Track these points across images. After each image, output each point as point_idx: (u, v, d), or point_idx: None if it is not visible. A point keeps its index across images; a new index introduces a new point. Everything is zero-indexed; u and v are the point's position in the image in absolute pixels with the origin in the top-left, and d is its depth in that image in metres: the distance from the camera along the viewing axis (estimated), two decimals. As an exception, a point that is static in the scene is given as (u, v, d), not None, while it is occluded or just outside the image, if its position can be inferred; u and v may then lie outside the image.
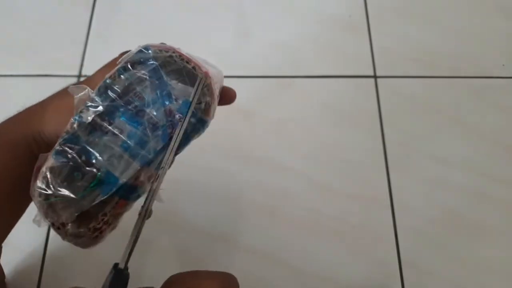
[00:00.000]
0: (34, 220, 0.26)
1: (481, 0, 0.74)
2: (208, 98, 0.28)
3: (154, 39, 0.75)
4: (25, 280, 0.54)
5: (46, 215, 0.25)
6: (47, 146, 0.29)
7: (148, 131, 0.26)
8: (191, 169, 0.58)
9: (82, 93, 0.27)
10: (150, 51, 0.28)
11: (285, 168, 0.61)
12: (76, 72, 0.69)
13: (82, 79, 0.68)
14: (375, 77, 0.68)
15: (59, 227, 0.26)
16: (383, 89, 0.66)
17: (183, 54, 0.28)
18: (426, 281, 0.55)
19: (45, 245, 0.56)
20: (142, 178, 0.27)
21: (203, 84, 0.28)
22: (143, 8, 0.74)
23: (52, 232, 0.57)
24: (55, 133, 0.29)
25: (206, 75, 0.28)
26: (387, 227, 0.57)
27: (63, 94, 0.32)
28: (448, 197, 0.59)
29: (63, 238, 0.26)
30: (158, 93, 0.27)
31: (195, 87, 0.27)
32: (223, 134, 0.63)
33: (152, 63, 0.28)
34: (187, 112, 0.27)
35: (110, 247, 0.56)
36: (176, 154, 0.27)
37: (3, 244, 0.39)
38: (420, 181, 0.60)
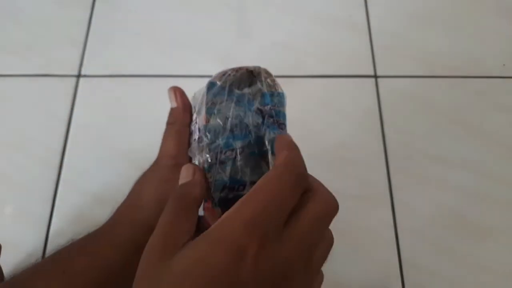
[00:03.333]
0: None
1: (481, 0, 0.74)
2: (271, 77, 0.34)
3: (154, 39, 0.75)
4: (25, 280, 0.54)
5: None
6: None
7: (258, 134, 0.31)
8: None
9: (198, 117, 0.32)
10: (217, 83, 0.33)
11: (285, 168, 0.61)
12: (75, 72, 0.69)
13: (81, 79, 0.68)
14: (375, 76, 0.68)
15: None
16: (383, 89, 0.66)
17: (233, 68, 0.34)
18: (426, 281, 0.55)
19: (44, 245, 0.56)
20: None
21: (262, 72, 0.34)
22: (142, 7, 0.74)
23: (52, 231, 0.57)
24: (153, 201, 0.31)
25: (257, 68, 0.34)
26: (387, 227, 0.57)
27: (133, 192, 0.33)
28: (448, 197, 0.59)
29: None
30: (245, 104, 0.32)
31: (260, 79, 0.34)
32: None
33: (224, 90, 0.32)
34: (271, 100, 0.33)
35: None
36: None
37: (2, 244, 0.39)
38: (420, 181, 0.60)
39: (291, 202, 0.23)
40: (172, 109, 0.34)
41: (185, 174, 0.28)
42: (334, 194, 0.25)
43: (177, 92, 0.34)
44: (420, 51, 0.70)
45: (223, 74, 0.33)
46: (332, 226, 0.26)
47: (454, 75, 0.68)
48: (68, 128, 0.64)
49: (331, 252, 0.25)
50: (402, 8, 0.74)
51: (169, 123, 0.34)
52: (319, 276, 0.24)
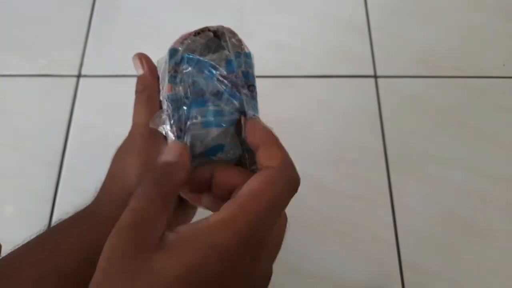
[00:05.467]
0: None
1: (481, 0, 0.74)
2: (236, 36, 0.32)
3: (154, 39, 0.75)
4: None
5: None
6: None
7: (220, 102, 0.30)
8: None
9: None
10: (179, 48, 0.31)
11: (285, 168, 0.61)
12: (75, 72, 0.69)
13: (81, 79, 0.68)
14: (375, 77, 0.68)
15: None
16: (383, 89, 0.66)
17: (196, 30, 0.32)
18: (426, 281, 0.55)
19: (44, 245, 0.56)
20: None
21: (225, 32, 0.32)
22: (142, 7, 0.74)
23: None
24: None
25: (220, 27, 0.32)
26: (387, 227, 0.57)
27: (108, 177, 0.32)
28: (448, 197, 0.59)
29: None
30: (208, 72, 0.30)
31: (224, 39, 0.31)
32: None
33: (186, 57, 0.31)
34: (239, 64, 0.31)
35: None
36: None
37: (2, 244, 0.39)
38: (420, 181, 0.60)
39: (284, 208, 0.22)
40: (139, 77, 0.33)
41: (169, 152, 0.24)
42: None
43: (143, 58, 0.32)
44: (420, 51, 0.70)
45: (185, 38, 0.31)
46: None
47: (454, 75, 0.68)
48: (68, 128, 0.64)
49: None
50: (402, 8, 0.74)
51: (138, 91, 0.32)
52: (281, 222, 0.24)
